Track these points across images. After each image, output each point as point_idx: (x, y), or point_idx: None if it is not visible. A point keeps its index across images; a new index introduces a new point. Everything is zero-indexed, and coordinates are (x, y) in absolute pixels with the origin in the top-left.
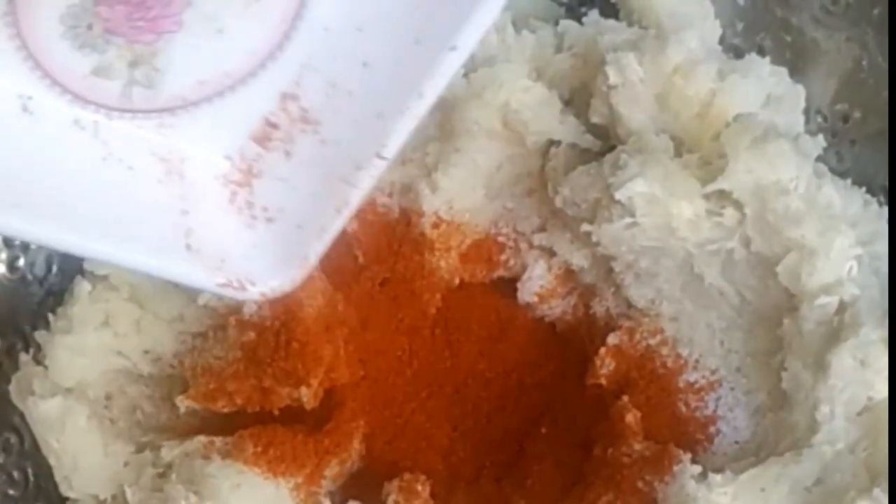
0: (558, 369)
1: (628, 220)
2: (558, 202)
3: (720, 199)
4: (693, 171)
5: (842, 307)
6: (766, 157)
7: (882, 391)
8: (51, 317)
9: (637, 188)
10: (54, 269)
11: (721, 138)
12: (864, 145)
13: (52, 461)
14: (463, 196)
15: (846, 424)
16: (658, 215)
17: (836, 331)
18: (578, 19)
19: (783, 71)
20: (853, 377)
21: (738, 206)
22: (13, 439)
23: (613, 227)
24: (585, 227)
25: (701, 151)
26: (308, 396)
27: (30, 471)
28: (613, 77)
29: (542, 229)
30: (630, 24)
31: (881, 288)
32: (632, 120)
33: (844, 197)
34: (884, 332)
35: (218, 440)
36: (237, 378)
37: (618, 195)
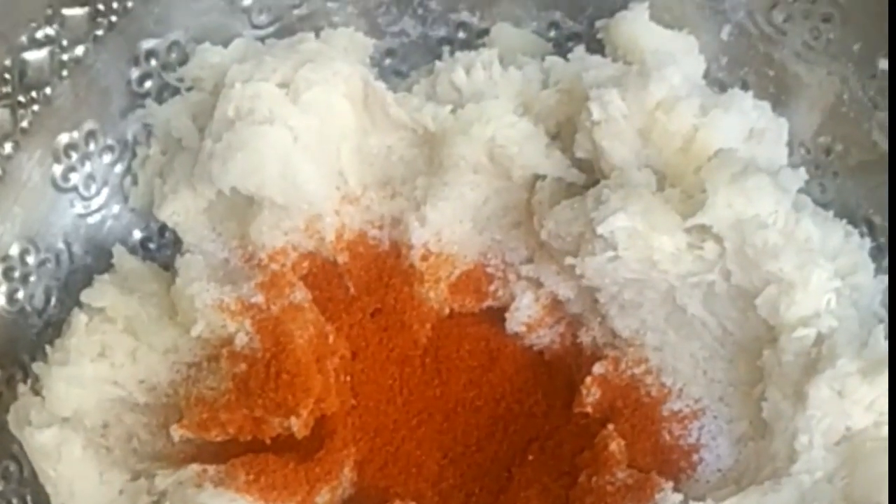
0: (546, 397)
1: (611, 253)
2: (543, 235)
3: (701, 233)
4: (674, 205)
5: (819, 339)
6: (745, 192)
7: (859, 422)
8: (48, 348)
9: (618, 222)
10: (53, 300)
11: (701, 173)
12: (846, 177)
13: (49, 489)
14: (451, 228)
15: (824, 454)
16: (640, 249)
17: (813, 362)
18: (566, 54)
19: (765, 105)
20: (831, 407)
21: (718, 239)
22: (12, 467)
23: (597, 260)
24: (570, 259)
25: (684, 185)
26: (298, 426)
27: (29, 498)
28: (597, 113)
29: (529, 261)
30: (615, 60)
31: (859, 320)
32: (615, 155)
33: (825, 229)
34: (861, 364)
35: (211, 468)
36: (229, 408)
37: (600, 229)
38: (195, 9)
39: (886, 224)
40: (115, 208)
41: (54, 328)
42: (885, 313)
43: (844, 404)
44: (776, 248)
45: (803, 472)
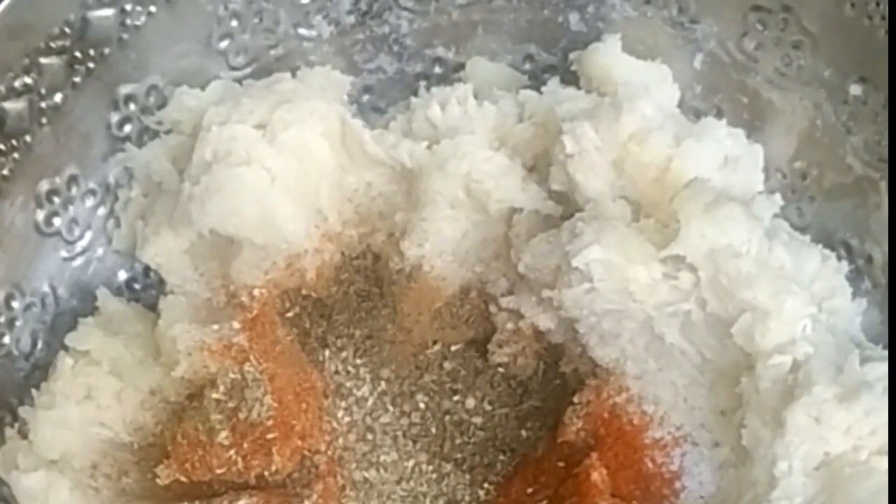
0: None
1: (587, 285)
2: (521, 268)
3: (676, 263)
4: (649, 236)
5: (795, 366)
6: (717, 222)
7: (837, 447)
8: (34, 392)
9: (593, 255)
10: (40, 344)
11: (673, 204)
12: (822, 201)
13: None
14: (431, 263)
15: (804, 480)
16: (615, 280)
17: (790, 389)
18: (541, 87)
19: (739, 132)
20: (809, 434)
21: (693, 269)
22: None
23: (573, 292)
24: (547, 292)
25: (659, 215)
26: (282, 464)
27: None
28: (570, 146)
29: (509, 292)
30: (589, 92)
31: (836, 345)
32: (589, 187)
33: (801, 254)
34: (837, 390)
35: None
36: (214, 447)
37: (575, 262)
38: (172, 52)
39: (863, 246)
40: (99, 251)
41: (42, 371)
42: (862, 337)
43: (822, 430)
44: (750, 276)
45: (783, 499)
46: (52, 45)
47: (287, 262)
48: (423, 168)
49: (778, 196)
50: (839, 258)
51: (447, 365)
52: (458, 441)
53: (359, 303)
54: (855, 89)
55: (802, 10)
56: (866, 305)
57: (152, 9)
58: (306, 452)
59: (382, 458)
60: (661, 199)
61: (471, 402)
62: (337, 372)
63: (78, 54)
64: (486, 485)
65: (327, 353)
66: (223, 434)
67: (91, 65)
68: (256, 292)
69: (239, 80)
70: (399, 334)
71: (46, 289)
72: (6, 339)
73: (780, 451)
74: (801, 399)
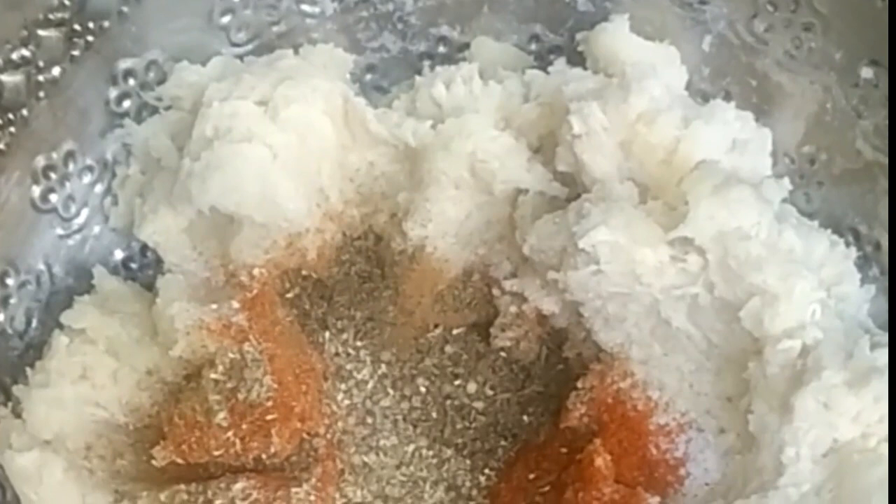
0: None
1: (593, 267)
2: (526, 250)
3: (684, 245)
4: (657, 218)
5: (804, 351)
6: (726, 204)
7: (846, 433)
8: (29, 371)
9: (600, 236)
10: (34, 322)
11: (682, 186)
12: (831, 186)
13: None
14: (434, 244)
15: (812, 466)
16: (622, 262)
17: (799, 374)
18: (547, 67)
19: (748, 115)
20: (817, 420)
21: (701, 252)
22: None
23: (579, 274)
24: (552, 274)
25: (666, 197)
26: (281, 446)
27: None
28: (577, 126)
29: (513, 275)
30: (596, 72)
31: (845, 330)
32: (596, 168)
33: (810, 240)
34: (846, 375)
35: (194, 489)
36: (212, 428)
37: (581, 243)
38: (173, 27)
39: (872, 233)
40: (96, 229)
41: (36, 350)
42: (871, 323)
43: (831, 416)
44: (759, 259)
45: (790, 485)
46: (51, 17)
47: (287, 241)
48: (426, 147)
49: (786, 180)
50: (847, 245)
51: (449, 348)
52: (459, 426)
53: (360, 284)
54: (866, 72)
55: None
56: (874, 292)
57: None
58: (305, 435)
59: (382, 442)
60: (669, 181)
61: (472, 387)
62: (337, 354)
63: (77, 27)
64: (487, 470)
65: (327, 334)
66: (221, 415)
67: (90, 38)
68: (256, 272)
69: (240, 57)
70: (400, 317)
71: (41, 266)
72: (0, 317)
73: (788, 438)
74: (810, 384)
